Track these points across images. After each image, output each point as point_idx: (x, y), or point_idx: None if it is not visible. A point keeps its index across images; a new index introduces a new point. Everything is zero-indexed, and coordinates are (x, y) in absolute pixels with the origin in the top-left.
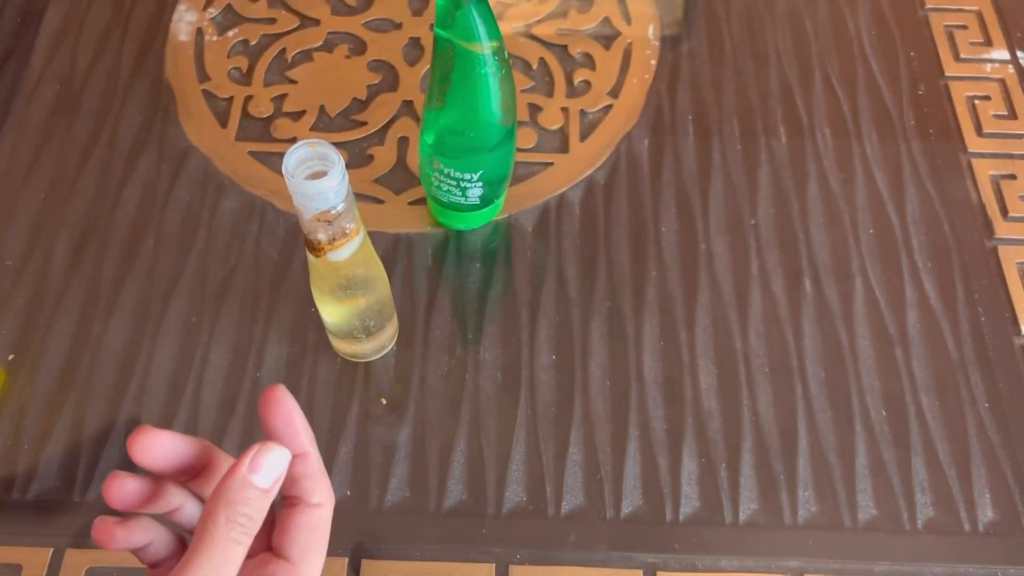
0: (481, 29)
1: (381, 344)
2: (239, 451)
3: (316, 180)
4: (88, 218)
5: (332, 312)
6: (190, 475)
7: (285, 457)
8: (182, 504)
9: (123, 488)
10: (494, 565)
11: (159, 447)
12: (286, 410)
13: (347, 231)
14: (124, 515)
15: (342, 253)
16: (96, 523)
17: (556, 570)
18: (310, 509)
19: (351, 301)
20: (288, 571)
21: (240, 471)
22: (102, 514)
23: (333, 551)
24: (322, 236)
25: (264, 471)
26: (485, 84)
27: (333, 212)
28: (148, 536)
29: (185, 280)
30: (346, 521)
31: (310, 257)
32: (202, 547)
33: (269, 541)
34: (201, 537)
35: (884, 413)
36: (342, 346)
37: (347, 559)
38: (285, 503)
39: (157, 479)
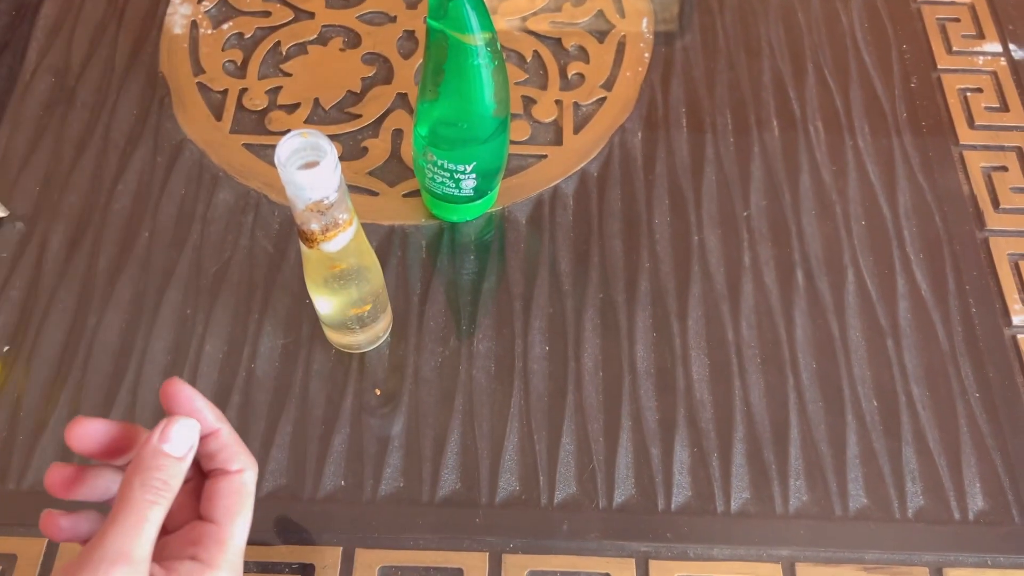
0: (474, 20)
1: (375, 335)
2: None
3: (308, 170)
4: (83, 211)
5: (326, 303)
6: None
7: (193, 426)
8: None
9: (61, 475)
10: (487, 554)
11: (93, 434)
12: (186, 397)
13: (340, 221)
14: (70, 508)
15: (335, 244)
16: (43, 516)
17: (549, 559)
18: (230, 475)
19: (345, 292)
20: (214, 531)
21: (152, 441)
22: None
23: (327, 541)
24: (315, 226)
25: (174, 439)
26: (478, 75)
27: (326, 202)
28: (93, 526)
29: (180, 272)
30: (340, 511)
31: (304, 248)
32: (120, 508)
33: (198, 512)
34: (119, 501)
35: (875, 403)
36: (336, 337)
37: (341, 548)
38: (209, 476)
39: (96, 467)
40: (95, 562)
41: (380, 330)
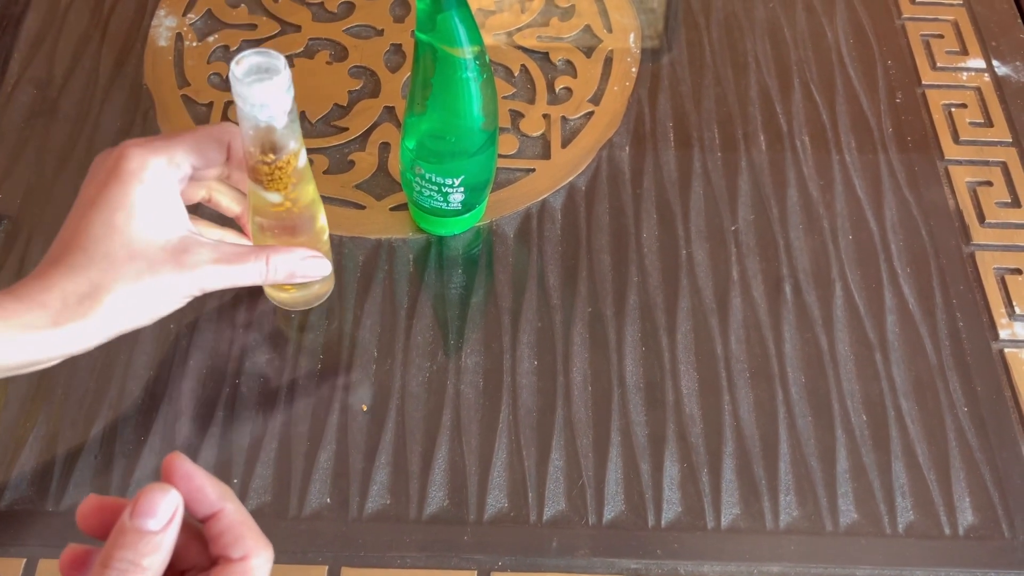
0: (462, 33)
1: (312, 295)
2: (216, 459)
3: (261, 83)
4: None
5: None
6: None
7: (170, 497)
8: None
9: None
10: (476, 572)
11: (93, 513)
12: (184, 474)
13: (287, 150)
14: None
15: (281, 178)
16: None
17: None
18: (232, 564)
19: (283, 237)
20: None
21: (122, 516)
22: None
23: (312, 560)
24: (262, 154)
25: (143, 513)
26: (466, 88)
27: (275, 125)
28: None
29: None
30: (326, 529)
31: (249, 185)
32: None
33: None
34: None
35: (864, 417)
36: (272, 291)
37: (327, 567)
38: (215, 564)
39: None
40: None
41: (317, 291)
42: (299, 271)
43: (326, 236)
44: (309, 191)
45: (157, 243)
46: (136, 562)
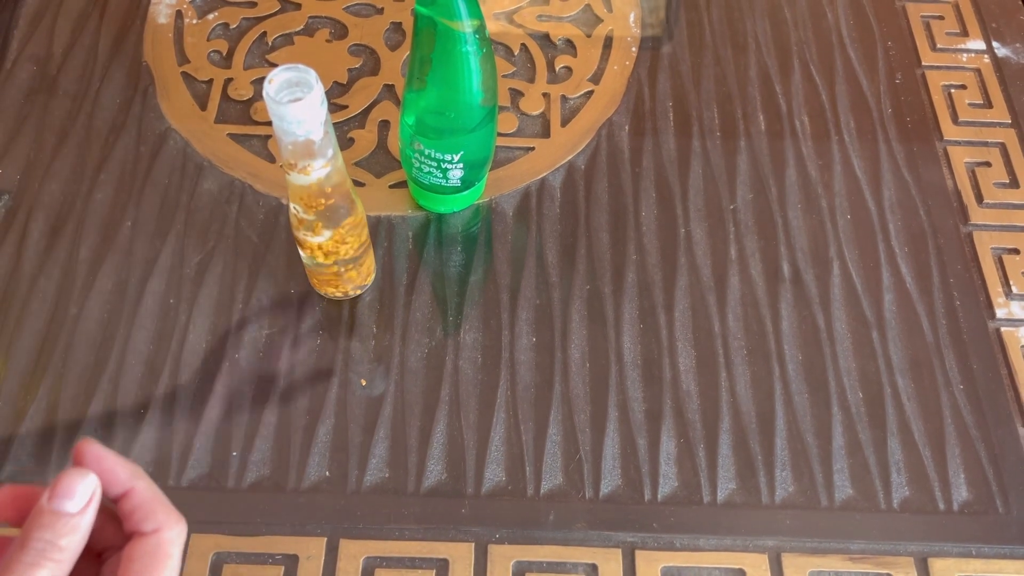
0: (462, 6)
1: (355, 282)
2: (216, 433)
3: (295, 103)
4: (65, 200)
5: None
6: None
7: (87, 480)
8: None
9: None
10: (473, 545)
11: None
12: (94, 458)
13: (324, 155)
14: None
15: (311, 177)
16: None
17: (535, 549)
18: (144, 537)
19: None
20: None
21: (41, 500)
22: None
23: (311, 532)
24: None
25: (61, 496)
26: (466, 63)
27: (315, 142)
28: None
29: (163, 262)
30: (325, 501)
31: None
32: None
33: None
34: (4, 564)
35: (860, 395)
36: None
37: (325, 539)
38: (129, 540)
39: None
40: None
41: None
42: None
43: (364, 227)
44: (345, 190)
45: None
46: (54, 543)
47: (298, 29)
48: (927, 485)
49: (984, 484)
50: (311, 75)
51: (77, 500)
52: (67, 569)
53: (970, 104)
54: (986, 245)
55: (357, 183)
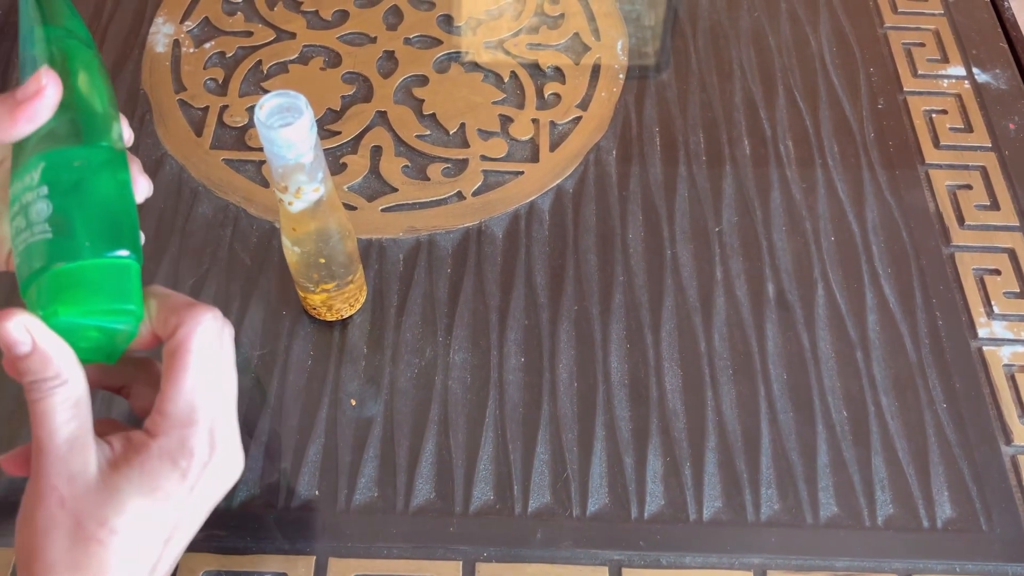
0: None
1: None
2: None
3: (285, 128)
4: None
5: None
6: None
7: (9, 324)
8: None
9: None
10: (461, 563)
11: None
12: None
13: (311, 181)
14: None
15: (302, 203)
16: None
17: (522, 568)
18: (167, 344)
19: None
20: (157, 402)
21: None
22: None
23: (300, 550)
24: (287, 184)
25: (7, 336)
26: None
27: (302, 162)
28: None
29: (157, 284)
30: (314, 520)
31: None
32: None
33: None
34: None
35: (845, 413)
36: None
37: (314, 558)
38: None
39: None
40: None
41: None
42: None
43: (356, 262)
44: (335, 217)
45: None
46: (38, 376)
47: (293, 57)
48: (911, 503)
49: (968, 502)
50: (301, 100)
51: (20, 343)
52: (77, 385)
53: (951, 128)
54: (968, 266)
55: (349, 207)
